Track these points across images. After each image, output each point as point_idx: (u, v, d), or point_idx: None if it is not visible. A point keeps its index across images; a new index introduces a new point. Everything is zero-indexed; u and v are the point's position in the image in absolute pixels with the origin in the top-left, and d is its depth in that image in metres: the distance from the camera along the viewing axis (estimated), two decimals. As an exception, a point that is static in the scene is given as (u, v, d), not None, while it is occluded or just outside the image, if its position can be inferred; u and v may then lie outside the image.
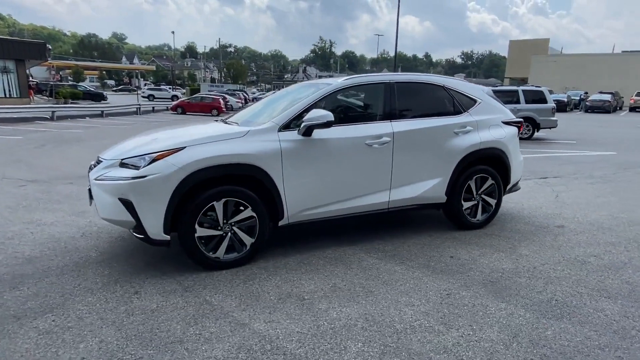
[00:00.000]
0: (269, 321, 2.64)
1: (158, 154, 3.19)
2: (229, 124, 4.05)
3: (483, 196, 4.49)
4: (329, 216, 3.78)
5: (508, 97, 13.59)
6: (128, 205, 3.13)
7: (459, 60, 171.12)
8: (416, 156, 4.05)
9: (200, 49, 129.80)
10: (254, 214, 3.39)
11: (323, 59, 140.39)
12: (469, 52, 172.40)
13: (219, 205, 3.28)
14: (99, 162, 3.53)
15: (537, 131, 13.55)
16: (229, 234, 3.39)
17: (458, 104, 4.38)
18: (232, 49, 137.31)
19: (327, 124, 3.44)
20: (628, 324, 2.63)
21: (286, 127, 3.55)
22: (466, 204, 4.39)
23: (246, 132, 3.43)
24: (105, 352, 2.31)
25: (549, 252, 3.86)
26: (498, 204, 4.60)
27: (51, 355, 2.28)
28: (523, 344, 2.41)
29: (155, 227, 3.16)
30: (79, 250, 3.79)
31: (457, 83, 4.55)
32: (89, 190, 3.55)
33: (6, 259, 3.56)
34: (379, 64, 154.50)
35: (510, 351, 2.34)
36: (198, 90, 50.93)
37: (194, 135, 3.45)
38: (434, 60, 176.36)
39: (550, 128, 13.71)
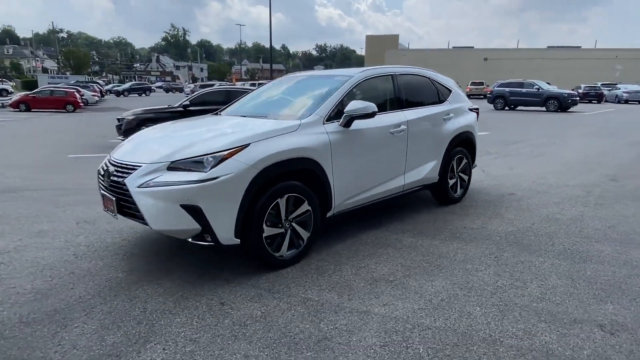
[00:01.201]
0: (384, 304, 2.76)
1: (227, 152, 2.94)
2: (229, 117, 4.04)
3: (460, 174, 5.16)
4: (361, 204, 3.95)
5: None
6: (194, 211, 2.84)
7: (314, 52, 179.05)
8: (422, 142, 4.47)
9: (22, 34, 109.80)
10: (310, 208, 3.39)
11: (177, 48, 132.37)
12: (323, 45, 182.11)
13: (282, 202, 3.20)
14: (122, 167, 3.08)
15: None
16: (289, 230, 3.32)
17: (441, 94, 4.94)
18: (64, 34, 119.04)
19: (371, 115, 3.60)
20: (626, 258, 3.49)
21: (329, 119, 3.59)
22: (450, 182, 5.01)
23: (298, 126, 3.37)
24: (266, 365, 2.17)
25: (526, 214, 4.71)
26: (469, 180, 5.34)
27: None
28: (583, 284, 3.03)
29: (227, 231, 2.93)
30: (99, 274, 3.24)
31: (436, 75, 5.10)
32: (107, 196, 3.12)
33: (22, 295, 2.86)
34: (237, 54, 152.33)
35: (579, 290, 2.93)
36: (34, 83, 43.36)
37: (247, 131, 3.25)
38: (291, 51, 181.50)
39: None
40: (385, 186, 4.11)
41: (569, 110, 21.65)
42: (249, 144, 3.03)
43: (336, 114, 3.63)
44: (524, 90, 22.19)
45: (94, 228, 4.23)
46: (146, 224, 2.94)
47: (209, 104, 9.71)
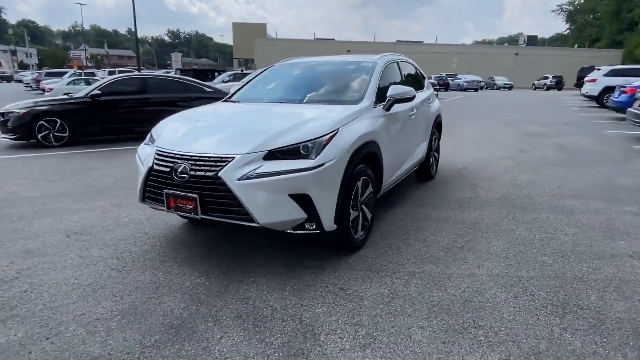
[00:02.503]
0: (477, 267, 3.12)
1: (327, 137, 2.90)
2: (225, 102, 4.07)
3: (434, 153, 5.80)
4: (390, 185, 4.22)
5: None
6: (303, 200, 2.77)
7: (167, 38, 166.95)
8: (421, 124, 4.92)
9: None
10: (372, 190, 3.54)
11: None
12: (176, 31, 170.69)
13: (359, 185, 3.29)
14: (206, 160, 2.80)
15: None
16: (359, 212, 3.43)
17: (422, 80, 5.46)
18: None
19: (411, 98, 3.87)
20: (595, 207, 4.49)
21: (375, 103, 3.74)
22: (430, 160, 5.61)
23: (360, 111, 3.45)
24: (451, 336, 2.34)
25: (494, 183, 5.56)
26: (438, 157, 6.03)
27: None
28: (589, 230, 3.86)
29: (329, 218, 2.92)
30: (178, 281, 2.89)
31: (414, 63, 5.58)
32: (181, 195, 2.83)
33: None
34: (72, 37, 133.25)
35: (593, 234, 3.73)
36: None
37: (327, 116, 3.20)
38: (139, 36, 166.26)
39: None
40: (404, 166, 4.44)
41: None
42: (338, 129, 3.03)
43: (378, 98, 3.80)
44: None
45: (125, 232, 3.63)
46: (247, 220, 2.75)
47: (124, 94, 8.68)
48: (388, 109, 3.80)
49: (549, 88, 40.34)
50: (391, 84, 3.98)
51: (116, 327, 2.38)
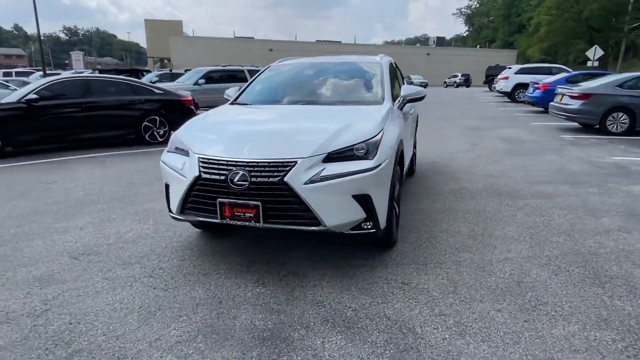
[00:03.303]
0: (508, 250, 3.42)
1: (378, 137, 2.97)
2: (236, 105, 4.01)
3: (414, 149, 6.12)
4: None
5: (238, 75, 15.14)
6: (364, 200, 2.83)
7: (63, 35, 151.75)
8: (412, 122, 5.17)
9: None
10: (399, 185, 3.70)
11: None
12: (73, 27, 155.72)
13: (395, 182, 3.41)
14: (266, 165, 2.72)
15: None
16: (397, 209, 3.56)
17: (403, 79, 5.72)
18: None
19: (422, 98, 4.07)
20: (564, 191, 5.10)
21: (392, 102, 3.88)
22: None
23: (388, 110, 3.57)
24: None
25: (469, 174, 6.03)
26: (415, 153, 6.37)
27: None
28: (574, 210, 4.39)
29: (383, 216, 3.01)
30: (232, 294, 2.78)
31: (396, 64, 5.82)
32: (240, 204, 2.74)
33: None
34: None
35: (579, 214, 4.26)
36: None
37: (368, 117, 3.26)
38: (29, 33, 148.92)
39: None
40: (408, 162, 4.65)
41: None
42: (383, 129, 3.12)
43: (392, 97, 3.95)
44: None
45: (140, 249, 3.34)
46: (312, 225, 2.74)
47: (65, 98, 7.88)
48: (401, 108, 3.97)
49: (458, 85, 43.91)
50: (392, 83, 4.14)
51: (206, 347, 2.24)
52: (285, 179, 2.66)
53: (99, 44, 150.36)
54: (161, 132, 8.83)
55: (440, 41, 73.62)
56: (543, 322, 2.43)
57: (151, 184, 5.52)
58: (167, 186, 3.19)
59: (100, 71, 20.78)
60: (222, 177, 2.75)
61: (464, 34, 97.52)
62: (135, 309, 2.61)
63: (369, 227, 2.92)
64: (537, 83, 14.47)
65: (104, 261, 3.29)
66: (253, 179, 2.70)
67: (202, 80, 14.15)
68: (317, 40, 61.93)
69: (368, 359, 2.14)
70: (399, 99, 3.96)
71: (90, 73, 16.22)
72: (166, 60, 53.57)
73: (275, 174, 2.69)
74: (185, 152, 3.08)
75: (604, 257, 3.27)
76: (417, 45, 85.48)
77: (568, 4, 41.24)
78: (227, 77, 15.05)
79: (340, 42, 62.24)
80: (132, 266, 3.20)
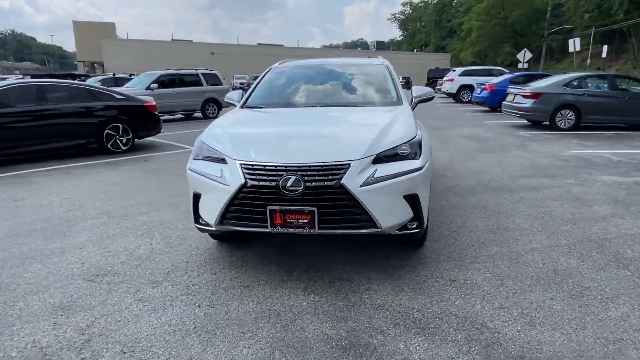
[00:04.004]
0: (547, 237, 3.61)
1: (418, 137, 3.00)
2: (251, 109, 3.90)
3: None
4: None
5: (192, 79, 14.63)
6: (413, 200, 2.84)
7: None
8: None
9: None
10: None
11: None
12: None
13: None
14: (318, 169, 2.64)
15: (221, 110, 15.45)
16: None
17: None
18: None
19: (432, 99, 4.17)
20: (549, 183, 5.47)
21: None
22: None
23: (410, 111, 3.61)
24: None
25: (455, 171, 6.28)
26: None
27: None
28: (569, 199, 4.72)
29: (426, 215, 3.04)
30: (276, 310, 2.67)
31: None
32: (294, 210, 2.64)
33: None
34: None
35: (572, 204, 4.59)
36: None
37: (401, 117, 3.28)
38: None
39: (227, 107, 15.90)
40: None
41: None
42: (418, 130, 3.16)
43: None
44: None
45: (161, 265, 3.08)
46: (366, 227, 2.70)
47: (14, 105, 7.15)
48: (413, 109, 4.04)
49: (400, 87, 45.50)
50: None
51: None
52: (342, 181, 2.59)
53: (17, 47, 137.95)
54: (124, 140, 8.27)
55: (380, 45, 76.15)
56: (596, 307, 2.58)
57: (134, 196, 5.15)
58: (196, 196, 2.99)
59: (35, 77, 19.02)
60: (273, 184, 2.62)
61: (399, 38, 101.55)
62: (190, 329, 2.42)
63: (414, 226, 2.93)
64: (484, 84, 15.41)
65: (126, 281, 3.01)
66: (307, 184, 2.60)
67: (155, 85, 13.46)
68: (258, 44, 61.43)
69: (457, 358, 2.14)
70: (410, 99, 4.02)
71: (20, 78, 14.78)
72: (97, 65, 50.38)
73: (330, 177, 2.61)
74: (219, 160, 2.91)
75: (614, 242, 3.54)
76: (358, 49, 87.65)
77: (495, 10, 44.47)
78: (180, 81, 14.47)
79: (283, 45, 62.21)
80: (161, 284, 2.96)
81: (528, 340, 2.27)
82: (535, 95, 10.22)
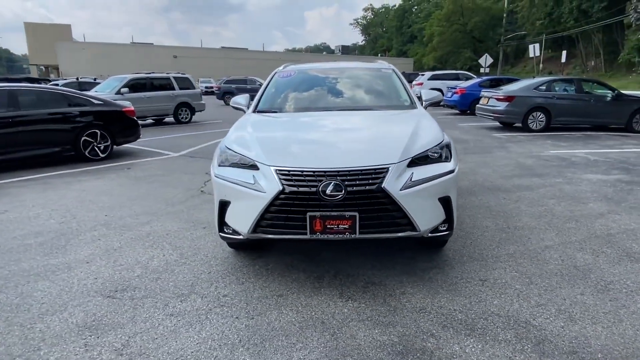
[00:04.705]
0: (543, 239, 3.74)
1: (448, 140, 3.05)
2: (265, 114, 3.82)
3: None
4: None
5: (163, 83, 14.20)
6: (446, 202, 2.88)
7: None
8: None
9: None
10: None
11: None
12: None
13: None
14: (357, 173, 2.62)
15: (194, 114, 15.07)
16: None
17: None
18: None
19: (441, 102, 4.24)
20: (540, 182, 5.70)
21: (418, 106, 3.99)
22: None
23: (428, 114, 3.66)
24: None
25: (461, 175, 6.40)
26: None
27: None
28: (566, 198, 4.93)
29: (456, 217, 3.08)
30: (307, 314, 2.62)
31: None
32: (335, 216, 2.60)
33: None
34: None
35: (568, 201, 4.80)
36: None
37: (423, 121, 3.31)
38: None
39: (200, 111, 15.53)
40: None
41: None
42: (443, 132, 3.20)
43: (412, 101, 4.06)
44: (248, 86, 24.78)
45: (182, 277, 2.94)
46: (405, 231, 2.70)
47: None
48: (423, 111, 4.10)
49: (366, 91, 46.18)
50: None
51: (352, 372, 2.08)
52: (383, 185, 2.58)
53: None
54: (102, 147, 7.89)
55: (345, 49, 77.02)
56: (624, 300, 2.69)
57: (128, 205, 4.92)
58: (224, 204, 2.89)
59: (6, 80, 17.84)
60: (313, 189, 2.57)
61: (362, 43, 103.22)
62: (235, 343, 2.32)
63: (445, 228, 2.96)
64: (455, 88, 15.90)
65: (150, 296, 2.86)
66: (349, 189, 2.57)
67: (126, 89, 12.94)
68: (222, 47, 60.56)
69: (515, 357, 2.17)
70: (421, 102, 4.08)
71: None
72: (51, 68, 47.95)
73: (370, 181, 2.60)
74: (249, 166, 2.82)
75: (618, 237, 3.73)
76: (324, 53, 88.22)
77: (455, 16, 46.08)
78: (151, 85, 13.99)
79: (247, 49, 61.64)
80: (189, 297, 2.83)
81: (574, 335, 2.33)
82: (508, 99, 10.64)
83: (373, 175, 2.61)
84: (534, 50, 25.77)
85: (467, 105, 15.22)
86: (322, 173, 2.60)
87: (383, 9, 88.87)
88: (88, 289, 2.97)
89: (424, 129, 3.14)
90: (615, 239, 3.70)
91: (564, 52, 28.87)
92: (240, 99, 4.16)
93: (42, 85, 8.38)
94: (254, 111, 3.92)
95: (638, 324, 2.42)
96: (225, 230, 2.97)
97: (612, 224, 4.07)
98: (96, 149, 7.79)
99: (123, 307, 2.71)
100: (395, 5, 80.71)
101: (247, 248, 3.54)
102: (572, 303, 2.66)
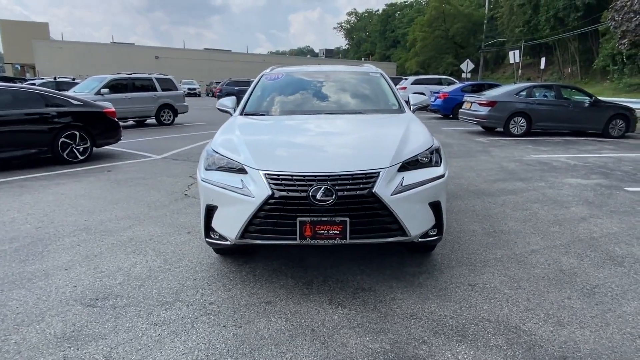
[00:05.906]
0: (529, 243, 3.77)
1: (438, 145, 3.04)
2: (253, 117, 3.76)
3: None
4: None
5: (145, 84, 13.95)
6: (436, 207, 2.87)
7: None
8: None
9: None
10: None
11: None
12: None
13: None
14: (348, 177, 2.58)
15: (177, 116, 14.84)
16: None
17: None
18: None
19: (428, 106, 4.25)
20: (528, 186, 5.78)
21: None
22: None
23: (417, 118, 3.65)
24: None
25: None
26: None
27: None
28: (549, 202, 5.01)
29: (446, 222, 3.08)
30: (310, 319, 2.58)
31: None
32: (326, 221, 2.56)
33: None
34: None
35: (552, 205, 4.88)
36: None
37: (412, 126, 3.29)
38: None
39: (183, 113, 15.30)
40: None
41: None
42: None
43: (400, 105, 4.06)
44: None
45: (166, 285, 2.84)
46: (395, 236, 2.68)
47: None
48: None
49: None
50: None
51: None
52: (375, 190, 2.55)
53: None
54: (81, 149, 7.67)
55: (330, 53, 77.28)
56: (610, 304, 2.73)
57: (109, 209, 4.78)
58: (210, 209, 2.81)
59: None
60: (303, 194, 2.52)
61: (345, 47, 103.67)
62: (223, 353, 2.25)
63: (435, 233, 2.95)
64: (438, 92, 16.09)
65: (132, 304, 2.76)
66: (339, 193, 2.53)
67: (106, 90, 12.65)
68: (205, 49, 59.98)
69: (507, 362, 2.16)
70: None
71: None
72: (27, 67, 46.65)
73: (361, 186, 2.56)
74: (237, 170, 2.75)
75: (601, 241, 3.79)
76: (308, 56, 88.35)
77: (438, 22, 46.76)
78: (133, 86, 13.71)
79: (230, 51, 61.16)
80: (174, 305, 2.74)
81: (564, 340, 2.34)
82: (490, 104, 10.81)
83: (364, 180, 2.58)
84: (514, 56, 26.31)
85: (449, 109, 15.41)
86: (313, 177, 2.56)
87: (366, 14, 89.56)
88: (67, 297, 2.85)
89: (414, 133, 3.13)
90: (598, 242, 3.75)
91: (543, 59, 29.56)
92: (227, 101, 4.08)
93: (18, 84, 8.09)
94: (241, 114, 3.85)
95: (624, 328, 2.45)
96: (211, 235, 2.89)
97: (594, 227, 4.14)
98: (75, 150, 7.57)
99: (104, 317, 2.61)
100: (378, 10, 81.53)
101: (234, 254, 3.46)
102: (560, 307, 2.68)
